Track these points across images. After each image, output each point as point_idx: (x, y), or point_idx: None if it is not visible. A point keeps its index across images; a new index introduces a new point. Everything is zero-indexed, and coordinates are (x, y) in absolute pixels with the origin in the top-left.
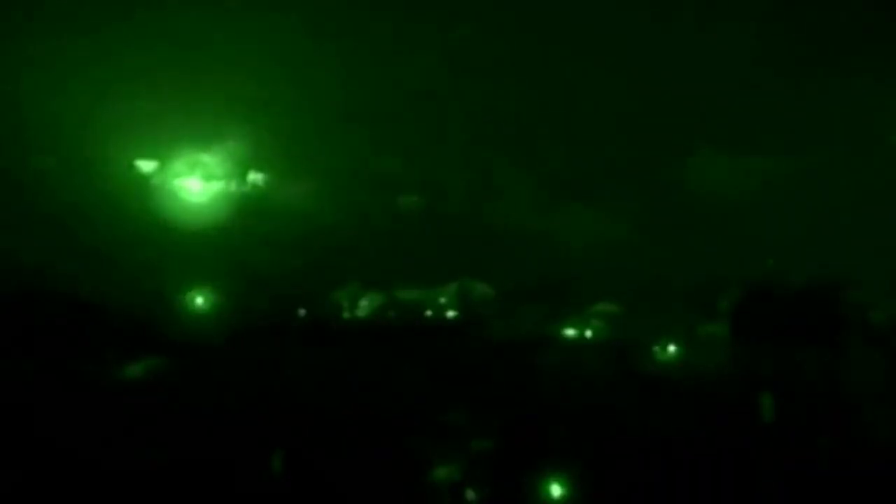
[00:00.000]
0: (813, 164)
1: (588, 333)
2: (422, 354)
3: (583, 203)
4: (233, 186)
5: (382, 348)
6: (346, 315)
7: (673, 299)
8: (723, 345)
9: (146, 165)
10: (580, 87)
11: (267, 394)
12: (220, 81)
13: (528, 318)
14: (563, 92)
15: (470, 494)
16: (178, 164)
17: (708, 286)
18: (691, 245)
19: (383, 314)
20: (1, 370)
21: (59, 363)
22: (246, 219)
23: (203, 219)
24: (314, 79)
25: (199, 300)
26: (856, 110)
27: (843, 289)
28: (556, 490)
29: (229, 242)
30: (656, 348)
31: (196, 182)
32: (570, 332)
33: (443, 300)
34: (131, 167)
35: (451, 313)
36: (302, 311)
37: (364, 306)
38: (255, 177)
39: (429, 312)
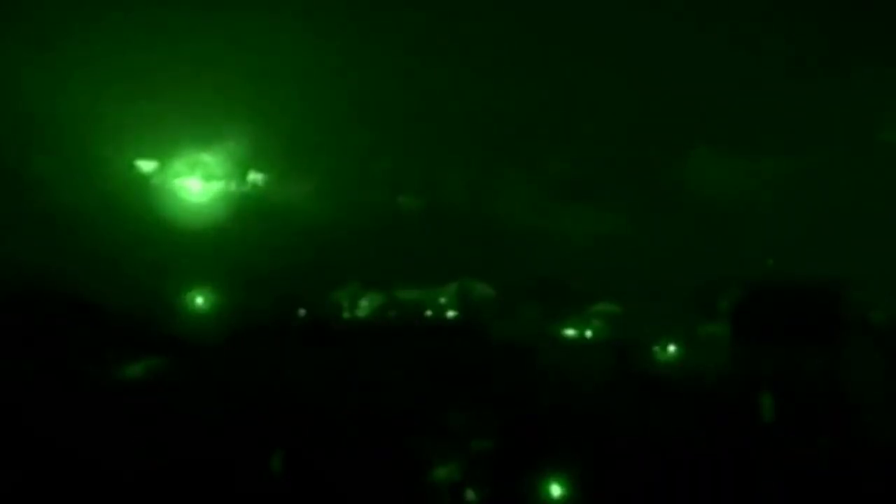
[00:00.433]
0: (813, 164)
1: (588, 333)
2: (422, 354)
3: (583, 203)
4: (233, 186)
5: (382, 348)
6: (346, 315)
7: (673, 299)
8: (723, 345)
9: (146, 165)
10: (580, 87)
11: (267, 394)
12: (220, 81)
13: (528, 318)
14: (563, 92)
15: (470, 494)
16: (178, 164)
17: (708, 286)
18: (691, 245)
19: (383, 314)
20: (1, 370)
21: (59, 363)
22: (246, 219)
23: (203, 219)
24: (314, 79)
25: (199, 300)
26: (856, 110)
27: (843, 289)
28: (555, 490)
29: (229, 242)
30: (656, 348)
31: (196, 182)
32: (570, 332)
33: (443, 300)
34: (131, 167)
35: (451, 313)
36: (302, 311)
37: (364, 306)
38: (255, 177)
39: (429, 312)
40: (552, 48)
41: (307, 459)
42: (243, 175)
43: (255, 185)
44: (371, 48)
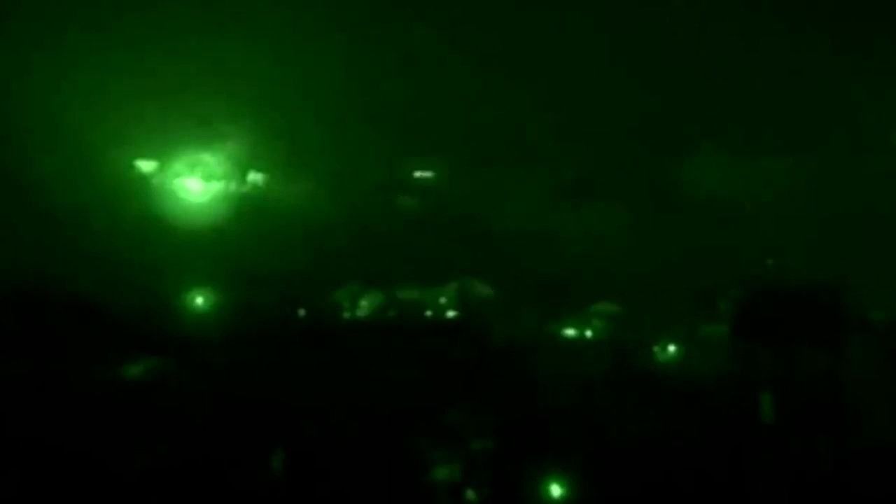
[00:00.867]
0: (813, 164)
1: (588, 333)
2: (422, 354)
3: (583, 203)
4: (233, 186)
5: (382, 348)
6: (346, 315)
7: (673, 299)
8: (723, 345)
9: (146, 165)
10: (580, 87)
11: (267, 394)
12: (220, 81)
13: (528, 318)
14: (563, 92)
15: (470, 494)
16: (178, 164)
17: (708, 286)
18: (691, 245)
19: (383, 314)
20: (1, 370)
21: (59, 363)
22: (246, 219)
23: (203, 219)
24: (314, 79)
25: (199, 300)
26: (856, 110)
27: (843, 289)
28: (555, 490)
29: (229, 242)
30: (656, 348)
31: (196, 182)
32: (570, 332)
33: (443, 300)
34: (131, 167)
35: (451, 313)
36: (302, 311)
37: (364, 306)
38: (255, 177)
39: (429, 312)
40: (553, 48)
41: (307, 459)
42: (243, 175)
43: (255, 185)
44: (371, 48)
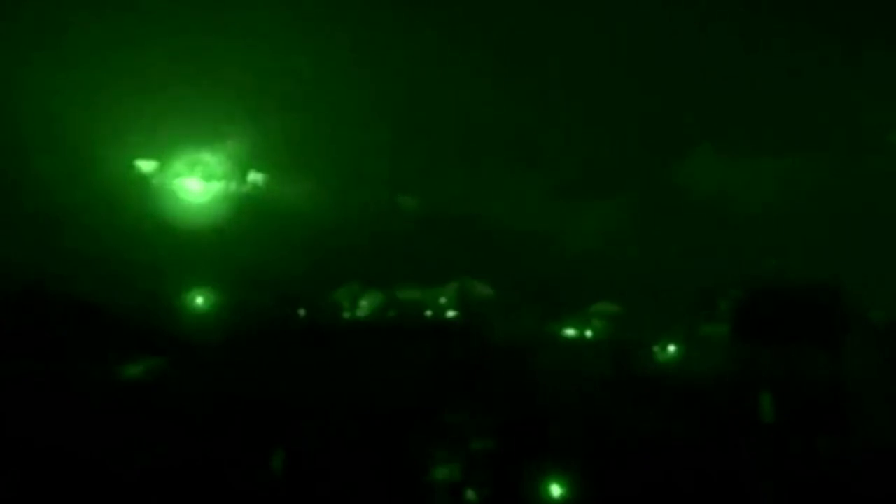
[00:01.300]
0: (813, 164)
1: (588, 333)
2: (422, 354)
3: (583, 203)
4: (233, 186)
5: (382, 348)
6: (346, 315)
7: (673, 299)
8: (723, 345)
9: (146, 165)
10: (581, 87)
11: (267, 394)
12: (220, 81)
13: (528, 318)
14: (563, 92)
15: (470, 494)
16: (178, 164)
17: (708, 286)
18: (692, 245)
19: (383, 314)
20: (1, 370)
21: (59, 363)
22: (246, 219)
23: (203, 219)
24: (314, 79)
25: (199, 300)
26: (856, 110)
27: (843, 289)
28: (555, 490)
29: (229, 242)
30: (656, 348)
31: (196, 182)
32: (570, 332)
33: (443, 300)
34: (131, 167)
35: (451, 313)
36: (302, 311)
37: (364, 306)
38: (255, 177)
39: (429, 312)
40: (552, 48)
41: (307, 459)
42: (243, 175)
43: (255, 185)
44: (372, 48)
